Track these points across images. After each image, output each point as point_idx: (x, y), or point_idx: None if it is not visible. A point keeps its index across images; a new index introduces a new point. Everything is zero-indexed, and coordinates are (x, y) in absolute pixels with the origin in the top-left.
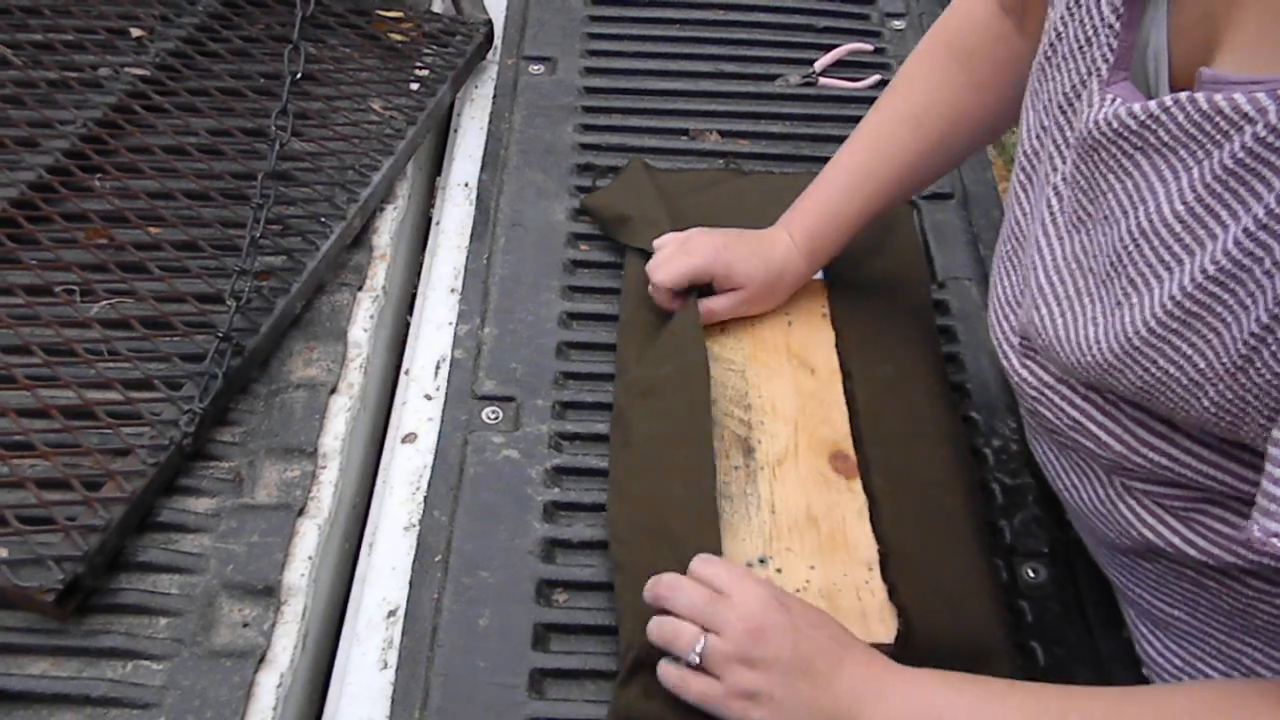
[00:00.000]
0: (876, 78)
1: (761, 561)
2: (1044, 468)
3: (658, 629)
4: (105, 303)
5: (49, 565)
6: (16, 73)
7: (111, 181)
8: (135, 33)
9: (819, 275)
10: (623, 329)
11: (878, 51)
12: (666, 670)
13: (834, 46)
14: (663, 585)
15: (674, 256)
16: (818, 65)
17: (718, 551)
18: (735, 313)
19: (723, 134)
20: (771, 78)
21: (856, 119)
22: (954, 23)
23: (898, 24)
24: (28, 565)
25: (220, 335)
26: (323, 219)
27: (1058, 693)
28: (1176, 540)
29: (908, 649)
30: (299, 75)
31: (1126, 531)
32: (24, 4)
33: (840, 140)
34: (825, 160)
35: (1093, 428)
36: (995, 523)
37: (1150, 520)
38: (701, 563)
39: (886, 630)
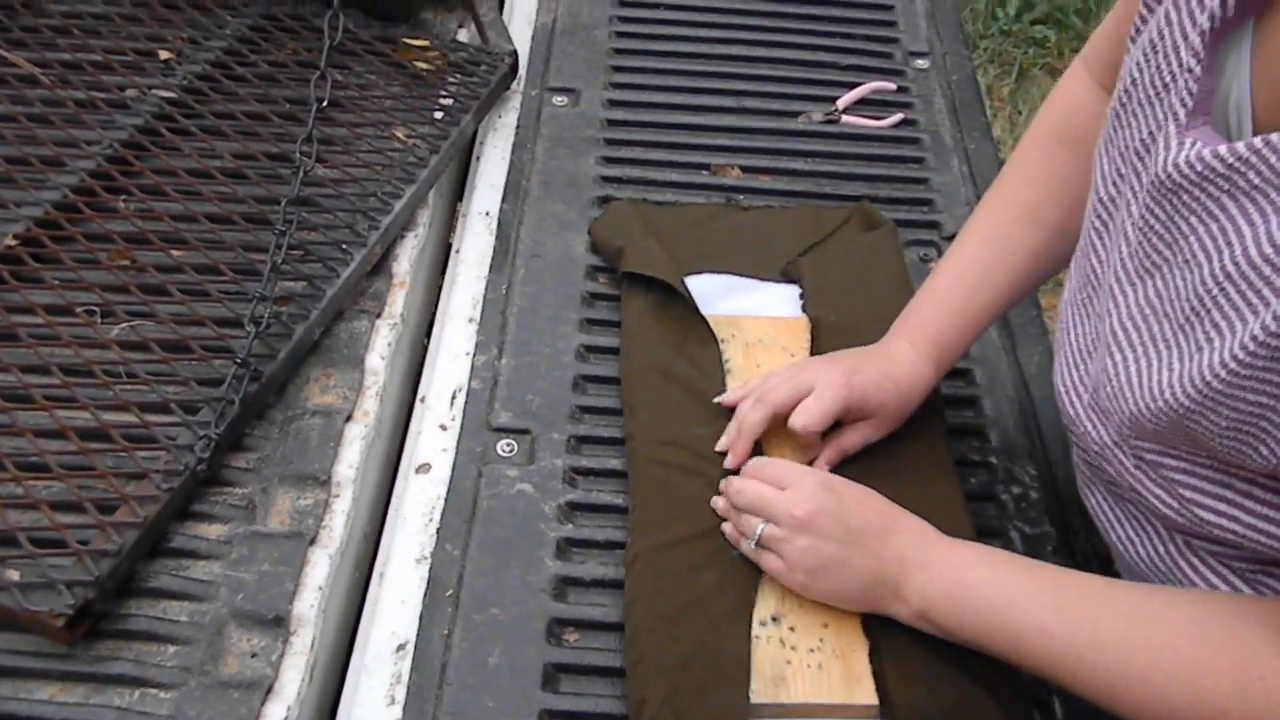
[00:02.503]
0: (899, 116)
1: (774, 620)
2: (1096, 517)
3: (729, 521)
4: (125, 324)
5: (60, 589)
6: (44, 92)
7: (135, 203)
8: (163, 55)
9: (799, 314)
10: (626, 364)
11: (901, 90)
12: (745, 547)
13: (857, 84)
14: (731, 488)
15: (803, 394)
16: (840, 103)
17: (743, 612)
18: (865, 444)
19: (744, 169)
20: (794, 114)
21: (879, 157)
22: (1058, 109)
23: (921, 63)
24: (39, 589)
25: (239, 361)
26: (344, 246)
27: (1079, 582)
28: None
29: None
30: (325, 103)
31: (1187, 587)
32: (53, 24)
33: (863, 178)
34: (847, 198)
35: (1155, 489)
36: None
37: (1214, 580)
38: (758, 464)
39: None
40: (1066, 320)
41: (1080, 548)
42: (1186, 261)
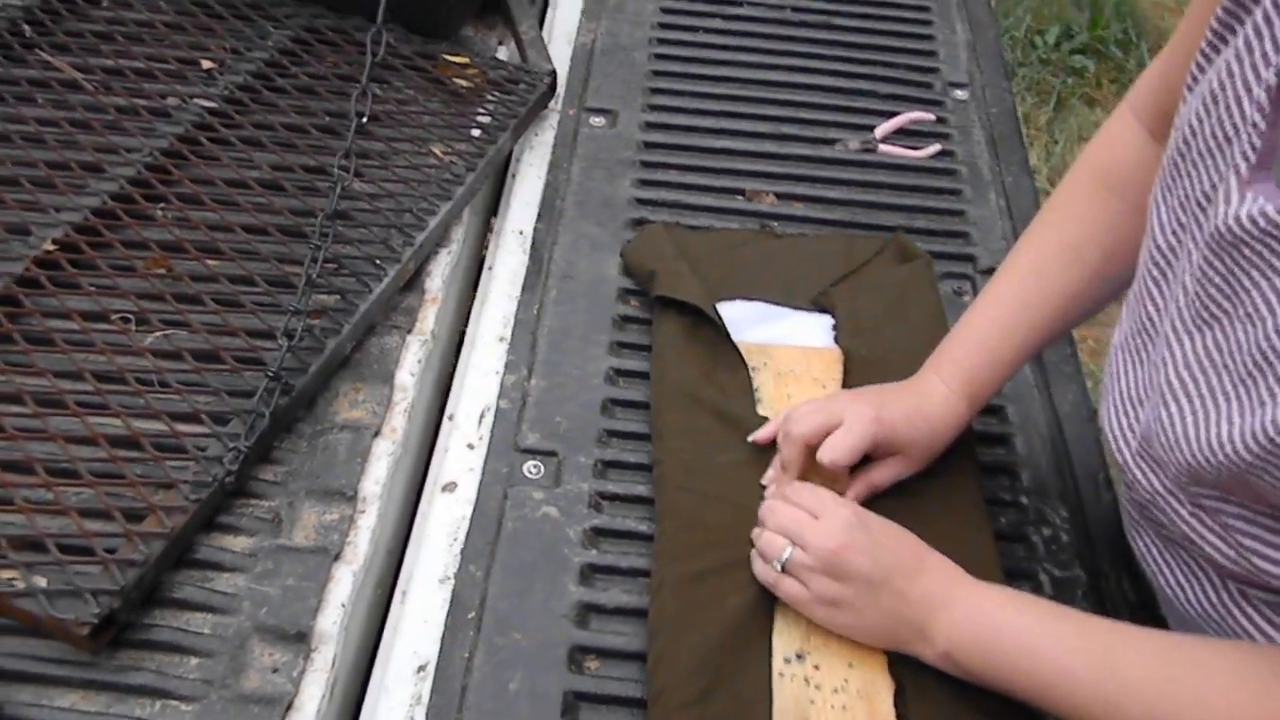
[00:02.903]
0: (937, 147)
1: (799, 657)
2: (1144, 562)
3: (758, 540)
4: (159, 333)
5: (85, 598)
6: (87, 98)
7: (173, 211)
8: (205, 64)
9: (831, 345)
10: (656, 389)
11: (939, 121)
12: (763, 570)
13: (895, 114)
14: (763, 509)
15: (832, 428)
16: (878, 132)
17: (767, 649)
18: (895, 480)
19: (779, 196)
20: (831, 142)
21: (915, 188)
22: (1103, 151)
23: (960, 94)
24: (65, 596)
25: (270, 374)
26: (378, 261)
27: (1107, 628)
28: None
29: None
30: (365, 120)
31: (1239, 637)
32: (97, 29)
33: (898, 209)
34: (882, 228)
35: (1210, 537)
36: None
37: (1268, 629)
38: (794, 489)
39: None
40: (1116, 365)
41: (1110, 592)
42: (1248, 315)
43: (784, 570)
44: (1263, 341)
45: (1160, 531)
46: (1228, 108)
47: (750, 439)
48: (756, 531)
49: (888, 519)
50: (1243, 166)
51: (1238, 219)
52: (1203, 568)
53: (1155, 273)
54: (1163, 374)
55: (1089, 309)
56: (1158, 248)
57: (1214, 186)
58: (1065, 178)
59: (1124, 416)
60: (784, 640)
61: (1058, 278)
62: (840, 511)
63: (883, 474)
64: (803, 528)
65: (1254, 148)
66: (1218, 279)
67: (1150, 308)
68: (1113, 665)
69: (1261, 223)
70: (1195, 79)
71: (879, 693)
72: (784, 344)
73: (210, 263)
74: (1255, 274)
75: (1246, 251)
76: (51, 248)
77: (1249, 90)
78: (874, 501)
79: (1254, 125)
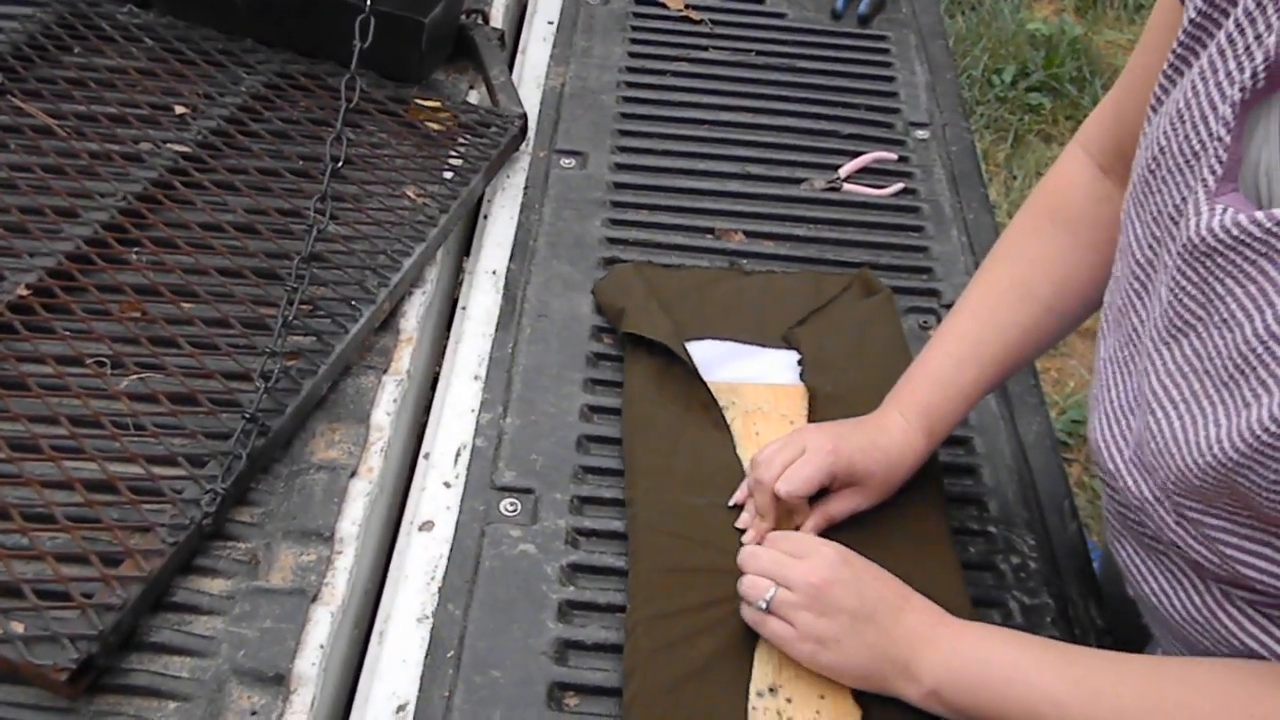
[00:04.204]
0: (900, 185)
1: (771, 691)
2: (1127, 571)
3: (740, 585)
4: (134, 376)
5: (64, 643)
6: (60, 143)
7: (148, 255)
8: (179, 110)
9: (797, 382)
10: (628, 428)
11: (902, 160)
12: (747, 611)
13: (859, 153)
14: (744, 554)
15: (793, 462)
16: (842, 171)
17: (741, 683)
18: (853, 513)
19: (747, 234)
20: (797, 181)
21: (880, 225)
22: (1053, 189)
23: (921, 134)
24: (42, 642)
25: (247, 416)
26: (353, 302)
27: (1093, 655)
28: None
29: None
30: (340, 163)
31: (1226, 640)
32: (69, 75)
33: (863, 245)
34: (848, 264)
35: (1194, 545)
36: None
37: (1254, 630)
38: (778, 536)
39: None
40: (1105, 378)
41: (1079, 618)
42: (1224, 321)
43: (769, 611)
44: (1241, 346)
45: (1144, 540)
46: (1194, 125)
47: (731, 503)
48: (741, 578)
49: (854, 550)
50: (1210, 180)
51: (1210, 229)
52: (1185, 573)
53: (1136, 285)
54: (1147, 382)
55: (1043, 343)
56: (1136, 262)
57: (1184, 200)
58: (1016, 216)
59: (1115, 425)
60: (757, 675)
61: (1009, 313)
62: (823, 549)
63: (839, 505)
64: (785, 567)
65: (1220, 161)
66: (1191, 289)
67: (1135, 319)
68: (1100, 689)
69: (1235, 231)
70: (1160, 100)
71: None
72: (752, 382)
73: (185, 306)
74: (1229, 281)
75: (1220, 260)
76: (25, 292)
77: (1214, 107)
78: (842, 533)
79: (1219, 140)
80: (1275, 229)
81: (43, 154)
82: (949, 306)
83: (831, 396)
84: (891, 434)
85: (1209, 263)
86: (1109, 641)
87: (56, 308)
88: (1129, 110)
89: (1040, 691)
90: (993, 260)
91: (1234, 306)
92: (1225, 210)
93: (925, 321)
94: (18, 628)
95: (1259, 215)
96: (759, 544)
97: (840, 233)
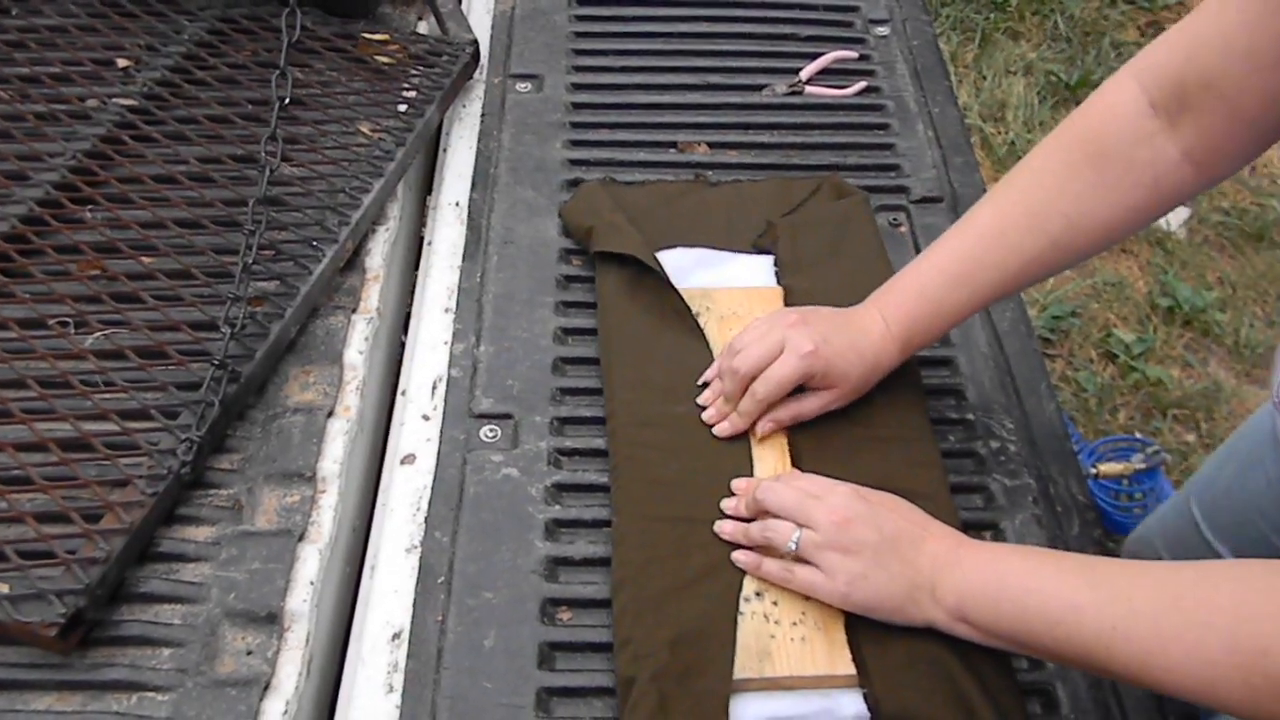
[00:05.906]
0: (862, 84)
1: (758, 595)
2: None
3: (759, 531)
4: (100, 334)
5: (50, 599)
6: (4, 106)
7: (103, 212)
8: (121, 63)
9: (773, 283)
10: (604, 344)
11: (863, 59)
12: (770, 568)
13: (819, 55)
14: (760, 490)
15: (769, 357)
16: (803, 74)
17: (729, 594)
18: (823, 411)
19: (711, 145)
20: (758, 88)
21: (844, 125)
22: (1093, 116)
23: (881, 30)
24: (29, 600)
25: (216, 363)
26: (314, 242)
27: (1110, 562)
28: None
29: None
30: (287, 101)
31: None
32: (9, 39)
33: (829, 147)
34: (815, 168)
35: None
36: (997, 524)
37: None
38: (790, 475)
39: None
40: None
41: (1060, 495)
42: None
43: (797, 556)
44: None
45: None
46: None
47: (700, 382)
48: (729, 528)
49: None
50: None
51: None
52: None
53: None
54: None
55: (1041, 276)
56: None
57: None
58: (1046, 139)
59: None
60: (744, 582)
61: (1014, 242)
62: (838, 488)
63: (811, 404)
64: (806, 505)
65: None
66: None
67: None
68: (1117, 592)
69: None
70: None
71: (834, 623)
72: (725, 286)
73: (145, 260)
74: None
75: None
76: None
77: None
78: (824, 434)
79: None
80: None
81: None
82: (919, 202)
83: (809, 294)
84: (871, 337)
85: None
86: (1092, 515)
87: (14, 271)
88: (1206, 52)
89: (1059, 599)
90: (1009, 183)
91: None
92: None
93: (895, 219)
94: (3, 588)
95: None
96: (723, 423)
97: (805, 136)
